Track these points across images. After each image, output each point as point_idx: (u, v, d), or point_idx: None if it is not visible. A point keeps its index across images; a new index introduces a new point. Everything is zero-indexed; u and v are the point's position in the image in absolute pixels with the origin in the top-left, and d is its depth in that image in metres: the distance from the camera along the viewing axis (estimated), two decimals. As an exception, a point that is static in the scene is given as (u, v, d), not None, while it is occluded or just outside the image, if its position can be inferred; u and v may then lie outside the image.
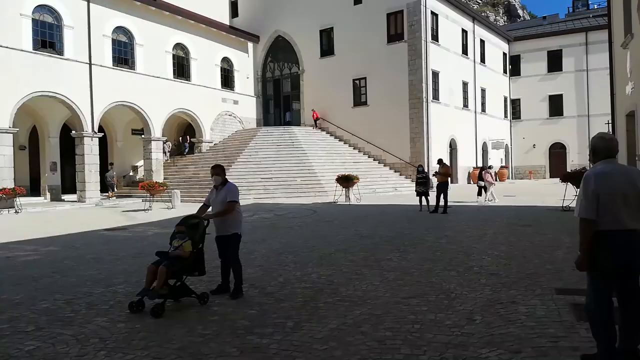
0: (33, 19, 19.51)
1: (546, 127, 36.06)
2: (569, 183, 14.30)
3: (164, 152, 25.68)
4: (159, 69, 24.67)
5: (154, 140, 24.25)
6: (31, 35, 19.43)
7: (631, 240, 3.12)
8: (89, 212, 17.53)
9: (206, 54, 27.59)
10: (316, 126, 28.98)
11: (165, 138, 25.52)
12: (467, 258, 7.26)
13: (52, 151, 22.55)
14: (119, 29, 22.88)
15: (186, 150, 27.83)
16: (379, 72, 27.04)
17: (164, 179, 23.63)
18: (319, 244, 8.97)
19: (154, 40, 24.41)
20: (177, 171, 25.68)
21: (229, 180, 5.73)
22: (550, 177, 34.53)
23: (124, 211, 17.49)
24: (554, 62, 35.72)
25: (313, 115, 29.35)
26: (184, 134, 29.02)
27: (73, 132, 21.72)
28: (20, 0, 19.04)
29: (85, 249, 9.15)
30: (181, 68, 26.30)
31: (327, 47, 29.49)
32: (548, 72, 35.92)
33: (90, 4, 21.32)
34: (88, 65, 21.23)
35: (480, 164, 31.83)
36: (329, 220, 12.84)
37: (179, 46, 26.06)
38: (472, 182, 30.04)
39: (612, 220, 3.11)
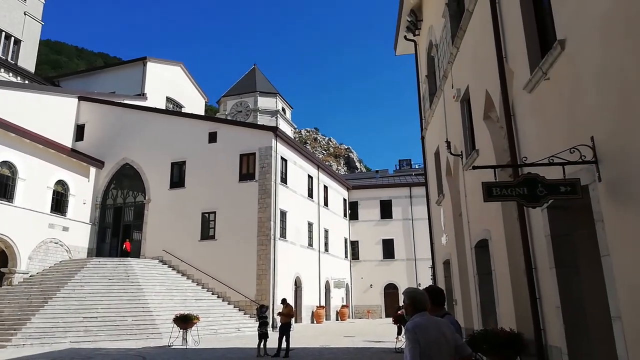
0: None
1: (381, 268, 39.15)
2: (399, 324, 15.15)
3: None
4: (-26, 186, 21.47)
5: (-52, 268, 20.01)
6: None
7: None
8: None
9: (38, 175, 25.03)
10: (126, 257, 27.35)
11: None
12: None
13: None
14: None
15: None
16: (229, 208, 27.25)
17: (-47, 317, 19.09)
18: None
19: (-26, 154, 21.56)
20: (-26, 308, 21.05)
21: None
22: (386, 316, 36.49)
23: None
24: (386, 210, 40.38)
25: (126, 246, 27.98)
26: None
27: None
28: None
29: None
30: (4, 188, 23.25)
31: (177, 179, 29.17)
32: (381, 218, 40.25)
33: None
34: None
35: (323, 303, 32.45)
36: (158, 370, 11.35)
37: (5, 164, 23.32)
38: (315, 322, 30.14)
39: None
